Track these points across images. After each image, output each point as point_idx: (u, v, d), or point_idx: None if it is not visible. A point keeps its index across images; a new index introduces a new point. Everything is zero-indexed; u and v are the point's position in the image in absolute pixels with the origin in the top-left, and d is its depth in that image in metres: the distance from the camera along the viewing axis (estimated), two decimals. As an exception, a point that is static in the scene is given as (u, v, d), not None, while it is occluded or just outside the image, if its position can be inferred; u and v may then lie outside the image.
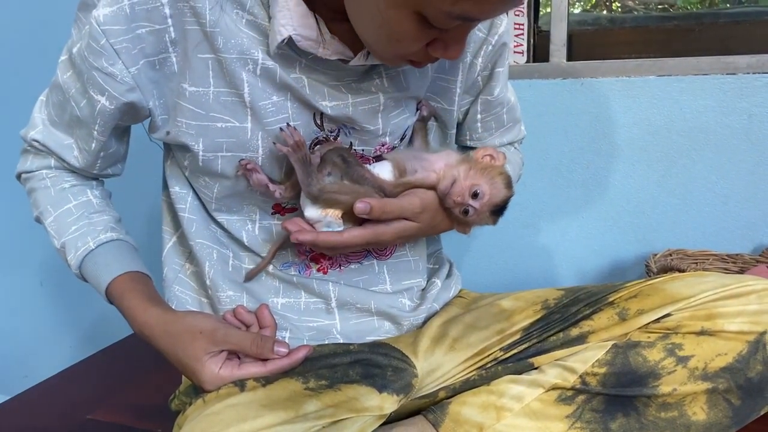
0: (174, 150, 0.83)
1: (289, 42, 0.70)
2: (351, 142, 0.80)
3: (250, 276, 0.86)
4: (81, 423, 1.06)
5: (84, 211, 0.84)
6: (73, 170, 0.86)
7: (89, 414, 1.08)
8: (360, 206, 0.72)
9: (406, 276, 0.91)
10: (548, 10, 1.36)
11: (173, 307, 0.86)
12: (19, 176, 0.89)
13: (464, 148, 1.00)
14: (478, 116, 0.94)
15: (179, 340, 0.75)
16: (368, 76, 0.77)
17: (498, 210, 0.79)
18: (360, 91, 0.77)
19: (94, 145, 0.80)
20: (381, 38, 0.65)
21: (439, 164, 0.79)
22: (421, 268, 0.93)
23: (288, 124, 0.75)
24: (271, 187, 0.79)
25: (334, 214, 0.76)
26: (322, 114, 0.77)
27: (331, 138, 0.79)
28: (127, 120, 0.79)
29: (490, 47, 0.86)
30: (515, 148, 1.02)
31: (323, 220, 0.76)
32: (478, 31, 0.84)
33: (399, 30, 0.62)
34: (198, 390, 0.77)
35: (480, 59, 0.87)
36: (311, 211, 0.77)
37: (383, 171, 0.79)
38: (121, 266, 0.81)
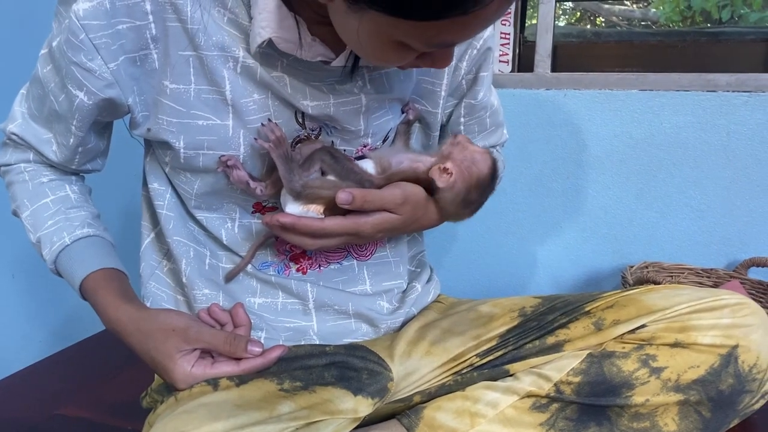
0: (155, 146, 0.83)
1: (270, 43, 0.70)
2: (333, 141, 0.80)
3: (230, 276, 0.85)
4: (48, 418, 1.04)
5: (61, 206, 0.83)
6: (51, 165, 0.84)
7: (57, 409, 1.06)
8: (342, 196, 0.72)
9: (386, 277, 0.91)
10: (534, 21, 1.38)
11: (149, 304, 0.85)
12: None
13: None
14: (462, 119, 0.94)
15: (151, 338, 0.74)
16: (350, 77, 0.77)
17: (489, 182, 0.79)
18: (342, 92, 0.77)
19: (72, 140, 0.79)
20: (366, 55, 0.66)
21: (426, 158, 0.79)
22: (402, 270, 0.93)
23: (269, 120, 0.75)
24: (252, 183, 0.78)
25: (315, 209, 0.76)
26: (303, 113, 0.77)
27: (313, 136, 0.79)
28: (105, 116, 0.78)
29: (475, 51, 0.87)
30: (497, 150, 1.03)
31: (305, 216, 0.76)
32: None
33: (382, 54, 0.62)
34: (170, 388, 0.76)
35: (465, 63, 0.87)
36: (292, 207, 0.76)
37: (366, 168, 0.79)
38: (96, 262, 0.80)
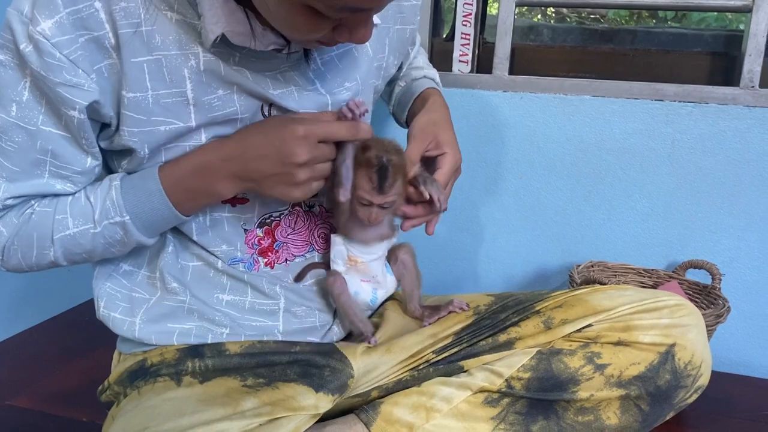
0: (109, 156, 0.80)
1: (223, 38, 0.69)
2: None
3: (300, 277, 0.88)
4: (-1, 409, 1.02)
5: (86, 194, 0.77)
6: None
7: (7, 400, 1.05)
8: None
9: None
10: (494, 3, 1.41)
11: (102, 303, 0.83)
12: None
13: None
14: (403, 69, 1.03)
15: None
16: (304, 63, 0.78)
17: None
18: (298, 80, 0.78)
19: (89, 160, 0.75)
20: (283, 27, 0.67)
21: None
22: None
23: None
24: None
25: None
26: (270, 104, 0.77)
27: None
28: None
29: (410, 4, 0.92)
30: (420, 54, 1.09)
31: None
32: None
33: (294, 21, 0.63)
34: (131, 379, 0.76)
35: (416, 23, 0.94)
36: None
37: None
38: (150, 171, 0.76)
